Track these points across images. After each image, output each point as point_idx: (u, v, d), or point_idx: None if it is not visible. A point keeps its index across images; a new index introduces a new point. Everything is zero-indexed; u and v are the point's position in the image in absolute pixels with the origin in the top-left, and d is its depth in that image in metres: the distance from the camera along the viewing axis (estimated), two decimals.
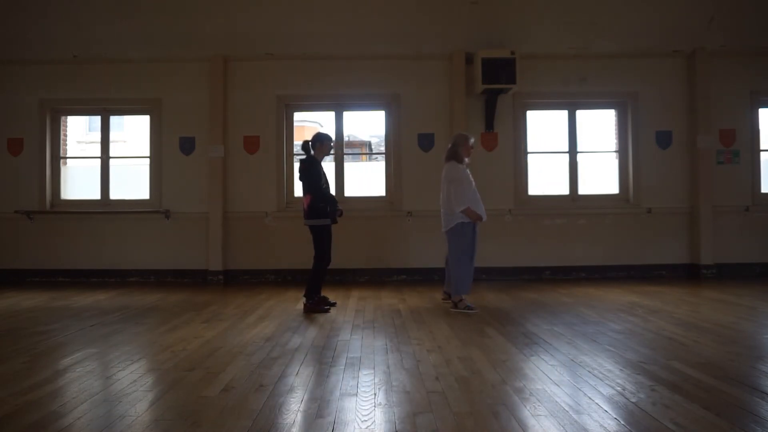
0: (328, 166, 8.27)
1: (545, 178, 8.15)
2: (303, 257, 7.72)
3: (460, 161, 5.63)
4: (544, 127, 8.31)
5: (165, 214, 7.79)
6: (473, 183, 5.63)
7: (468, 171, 5.68)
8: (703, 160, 7.76)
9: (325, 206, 5.48)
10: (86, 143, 20.16)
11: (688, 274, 7.83)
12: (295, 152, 8.08)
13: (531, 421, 2.56)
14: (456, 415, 2.64)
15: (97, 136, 8.46)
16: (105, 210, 7.92)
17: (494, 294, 6.48)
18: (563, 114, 8.11)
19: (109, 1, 7.73)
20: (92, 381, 3.25)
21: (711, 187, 7.74)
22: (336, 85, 7.91)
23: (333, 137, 5.89)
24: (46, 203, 7.95)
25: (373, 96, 8.05)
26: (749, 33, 7.78)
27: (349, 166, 8.37)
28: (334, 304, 5.76)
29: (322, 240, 5.53)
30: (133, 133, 16.26)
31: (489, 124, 7.81)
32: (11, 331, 4.69)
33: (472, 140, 5.74)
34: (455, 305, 5.52)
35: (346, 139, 8.62)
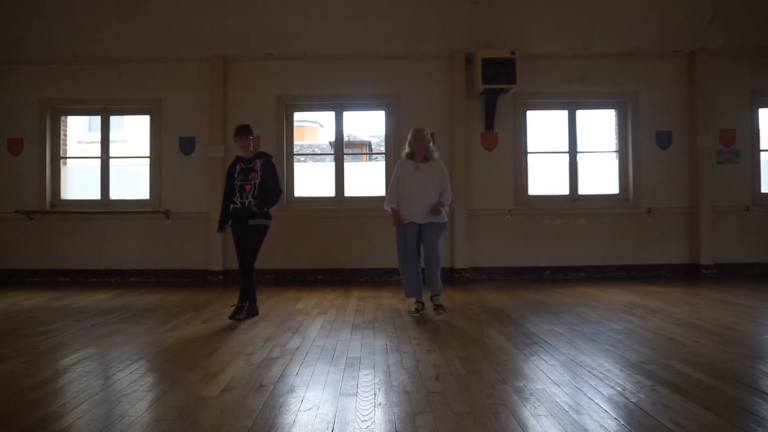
0: (328, 166, 8.32)
1: (545, 178, 8.15)
2: (302, 257, 7.79)
3: (410, 156, 5.29)
4: (544, 127, 8.32)
5: (165, 214, 7.79)
6: (413, 179, 5.19)
7: (409, 167, 5.24)
8: (703, 160, 7.76)
9: (220, 218, 5.29)
10: (86, 143, 20.20)
11: (688, 274, 7.82)
12: (295, 152, 8.08)
13: (531, 421, 2.56)
14: (456, 415, 2.64)
15: (97, 136, 8.48)
16: (105, 210, 7.92)
17: (494, 294, 6.47)
18: (563, 114, 8.11)
19: (109, 1, 7.73)
20: (92, 381, 3.25)
21: (711, 187, 7.74)
22: (336, 85, 7.90)
23: (247, 128, 5.23)
24: (46, 203, 7.95)
25: (373, 96, 8.05)
26: (749, 33, 7.77)
27: (349, 166, 8.37)
28: (236, 317, 4.97)
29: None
30: (133, 133, 16.28)
31: (489, 124, 7.81)
32: (11, 331, 4.68)
33: (426, 132, 5.26)
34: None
35: (346, 139, 8.62)
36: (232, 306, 5.11)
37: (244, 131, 5.20)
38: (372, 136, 18.17)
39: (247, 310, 5.11)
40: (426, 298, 5.35)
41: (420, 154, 5.27)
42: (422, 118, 7.82)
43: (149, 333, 4.57)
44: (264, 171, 5.15)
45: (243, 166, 5.18)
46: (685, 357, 3.62)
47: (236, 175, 5.17)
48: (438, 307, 5.08)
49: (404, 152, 5.38)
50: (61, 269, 7.85)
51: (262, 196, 5.10)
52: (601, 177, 8.18)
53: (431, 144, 5.34)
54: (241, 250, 5.16)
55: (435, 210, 5.16)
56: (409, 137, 5.34)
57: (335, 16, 7.71)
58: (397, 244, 5.33)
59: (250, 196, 5.10)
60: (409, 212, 5.19)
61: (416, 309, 5.23)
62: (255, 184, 5.11)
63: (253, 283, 5.21)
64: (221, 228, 5.30)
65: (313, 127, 22.97)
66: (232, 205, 5.17)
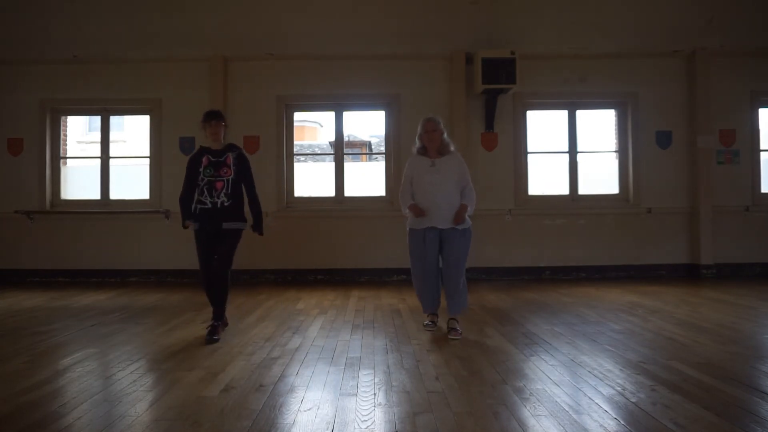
0: (328, 166, 8.32)
1: (545, 178, 8.15)
2: (302, 257, 7.78)
3: (420, 151, 4.64)
4: (544, 127, 8.31)
5: (165, 214, 7.79)
6: (429, 178, 4.50)
7: (423, 164, 4.57)
8: (703, 160, 7.76)
9: (182, 211, 4.55)
10: (86, 143, 20.23)
11: (688, 274, 7.83)
12: (295, 152, 8.08)
13: (531, 421, 2.56)
14: (456, 415, 2.64)
15: (97, 136, 8.47)
16: (105, 210, 7.92)
17: (494, 294, 6.48)
18: (563, 114, 8.11)
19: (109, 1, 7.72)
20: (92, 381, 3.25)
21: (711, 187, 7.74)
22: (336, 85, 7.90)
23: (217, 114, 4.61)
24: (46, 203, 7.95)
25: (373, 96, 8.05)
26: (749, 33, 7.77)
27: (349, 166, 8.37)
28: (215, 338, 4.28)
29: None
30: (133, 133, 16.30)
31: (489, 124, 7.81)
32: (11, 331, 4.68)
33: (438, 121, 4.59)
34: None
35: (346, 139, 8.62)
36: (207, 327, 4.44)
37: (216, 116, 4.56)
38: (372, 136, 18.20)
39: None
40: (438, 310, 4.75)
41: (433, 147, 4.54)
42: (422, 118, 7.84)
43: (149, 333, 4.57)
44: (238, 166, 4.54)
45: (211, 158, 4.53)
46: (685, 357, 3.63)
47: (202, 169, 4.50)
48: (452, 330, 4.30)
49: (415, 147, 4.68)
50: (61, 269, 7.85)
51: (256, 216, 4.68)
52: (601, 177, 8.18)
53: (445, 135, 4.60)
54: (208, 257, 4.46)
55: (458, 217, 4.36)
56: (419, 129, 4.60)
57: (335, 16, 7.71)
58: (411, 253, 4.55)
59: (222, 194, 4.46)
60: (428, 216, 4.45)
61: (432, 322, 4.59)
62: (228, 180, 4.48)
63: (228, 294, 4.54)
64: (186, 221, 4.53)
65: (313, 127, 22.98)
66: (199, 206, 4.46)
